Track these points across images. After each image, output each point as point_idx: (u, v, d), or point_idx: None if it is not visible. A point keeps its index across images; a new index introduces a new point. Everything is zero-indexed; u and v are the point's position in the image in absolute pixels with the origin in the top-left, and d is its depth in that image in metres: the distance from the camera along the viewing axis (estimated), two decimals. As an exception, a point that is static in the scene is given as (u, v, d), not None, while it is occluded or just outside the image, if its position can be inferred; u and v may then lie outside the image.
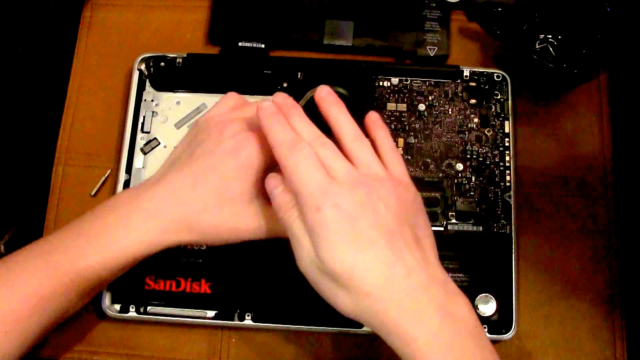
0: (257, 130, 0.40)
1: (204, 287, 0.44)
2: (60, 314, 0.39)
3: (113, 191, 0.47)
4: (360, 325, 0.44)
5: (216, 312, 0.44)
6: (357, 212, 0.34)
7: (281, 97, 0.40)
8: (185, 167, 0.40)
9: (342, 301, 0.34)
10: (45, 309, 0.37)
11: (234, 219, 0.40)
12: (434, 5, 0.51)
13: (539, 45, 0.45)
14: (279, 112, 0.38)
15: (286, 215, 0.36)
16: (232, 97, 0.44)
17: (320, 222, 0.34)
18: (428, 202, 0.46)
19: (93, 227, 0.39)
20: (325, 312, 0.44)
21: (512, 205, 0.46)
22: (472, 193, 0.47)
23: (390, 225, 0.34)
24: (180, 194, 0.39)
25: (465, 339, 0.32)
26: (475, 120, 0.48)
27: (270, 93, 0.48)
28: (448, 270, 0.45)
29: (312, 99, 0.48)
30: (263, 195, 0.40)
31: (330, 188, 0.34)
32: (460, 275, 0.45)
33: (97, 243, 0.39)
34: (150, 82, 0.49)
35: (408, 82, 0.49)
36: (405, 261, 0.33)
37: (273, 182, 0.38)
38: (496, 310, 0.44)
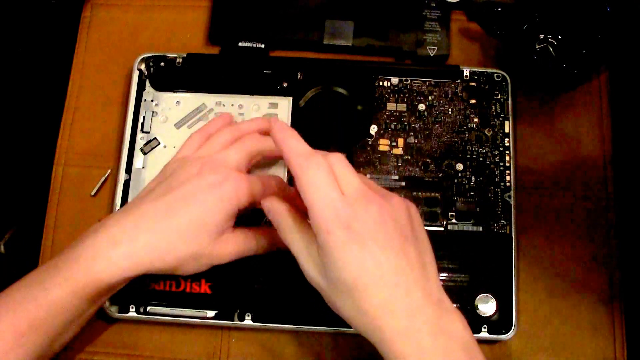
0: (232, 167, 0.41)
1: (204, 287, 0.44)
2: (46, 343, 0.38)
3: (113, 191, 0.47)
4: (360, 325, 0.44)
5: (216, 312, 0.44)
6: (366, 233, 0.34)
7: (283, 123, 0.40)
8: (161, 198, 0.40)
9: (346, 314, 0.35)
10: (23, 343, 0.36)
11: (208, 247, 0.40)
12: (434, 5, 0.51)
13: (539, 45, 0.45)
14: (291, 128, 0.39)
15: (289, 237, 0.38)
16: (195, 137, 0.45)
17: (329, 245, 0.34)
18: (428, 202, 0.46)
19: (63, 258, 0.38)
20: (325, 312, 0.44)
21: (512, 205, 0.46)
22: (472, 193, 0.47)
23: (397, 245, 0.34)
24: (152, 223, 0.39)
25: (458, 355, 0.33)
26: (475, 120, 0.48)
27: (270, 93, 0.49)
28: (448, 270, 0.45)
29: (312, 99, 0.48)
30: (232, 225, 0.41)
31: (342, 210, 0.34)
32: (460, 275, 0.45)
33: (67, 273, 0.38)
34: (150, 82, 0.49)
35: (408, 82, 0.49)
36: (406, 281, 0.34)
37: (275, 206, 0.39)
38: (496, 310, 0.44)
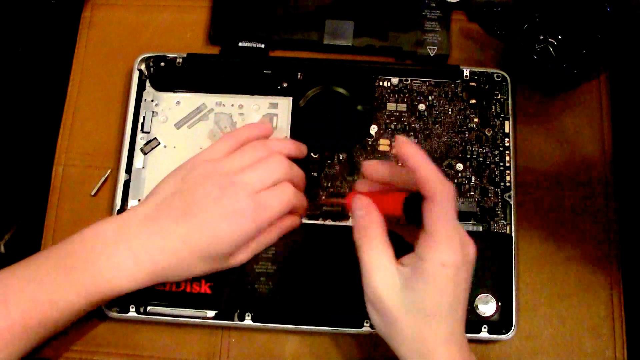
0: (253, 190, 0.40)
1: (204, 287, 0.44)
2: (48, 335, 0.39)
3: (113, 191, 0.47)
4: (360, 325, 0.44)
5: (216, 312, 0.44)
6: (467, 275, 0.36)
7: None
8: (180, 219, 0.40)
9: (400, 336, 0.36)
10: (29, 335, 0.38)
11: (223, 264, 0.42)
12: (434, 5, 0.51)
13: (539, 45, 0.45)
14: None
15: (370, 247, 0.37)
16: (227, 141, 0.43)
17: (434, 275, 0.35)
18: (428, 202, 0.46)
19: (79, 262, 0.39)
20: (325, 312, 0.44)
21: (512, 205, 0.46)
22: (472, 193, 0.47)
23: (470, 285, 0.37)
24: (173, 245, 0.40)
25: None
26: (475, 120, 0.48)
27: (270, 93, 0.49)
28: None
29: (312, 99, 0.48)
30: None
31: (461, 248, 0.35)
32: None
33: (88, 283, 0.39)
34: (150, 82, 0.49)
35: (408, 82, 0.49)
36: (463, 316, 0.37)
37: (372, 212, 0.38)
38: (496, 310, 0.44)
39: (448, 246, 0.35)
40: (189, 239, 0.40)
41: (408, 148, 0.36)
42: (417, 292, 0.35)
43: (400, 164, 0.37)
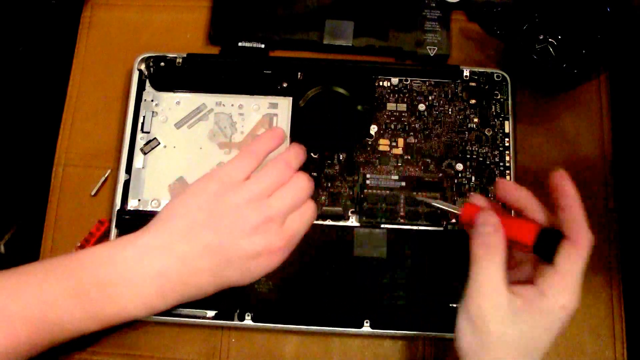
0: (283, 217, 0.40)
1: (204, 287, 0.44)
2: (50, 347, 0.39)
3: (113, 191, 0.47)
4: (360, 325, 0.44)
5: (216, 312, 0.44)
6: (568, 322, 0.35)
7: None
8: (212, 256, 0.39)
9: (485, 355, 0.35)
10: (34, 350, 0.37)
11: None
12: (434, 5, 0.51)
13: (539, 45, 0.45)
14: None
15: (489, 264, 0.37)
16: (246, 158, 0.41)
17: (552, 315, 0.35)
18: (428, 202, 0.46)
19: (95, 290, 0.37)
20: (325, 312, 0.44)
21: (512, 205, 0.46)
22: (472, 193, 0.46)
23: None
24: (201, 283, 0.39)
25: None
26: (475, 120, 0.48)
27: (270, 93, 0.49)
28: (448, 270, 0.45)
29: (312, 99, 0.48)
30: None
31: (578, 294, 0.35)
32: (460, 275, 0.45)
33: (106, 314, 0.38)
34: (150, 82, 0.49)
35: (408, 82, 0.49)
36: None
37: (499, 233, 0.37)
38: (496, 310, 0.44)
39: (573, 291, 0.35)
40: (217, 275, 0.39)
41: (566, 185, 0.36)
42: (524, 325, 0.35)
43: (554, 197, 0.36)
